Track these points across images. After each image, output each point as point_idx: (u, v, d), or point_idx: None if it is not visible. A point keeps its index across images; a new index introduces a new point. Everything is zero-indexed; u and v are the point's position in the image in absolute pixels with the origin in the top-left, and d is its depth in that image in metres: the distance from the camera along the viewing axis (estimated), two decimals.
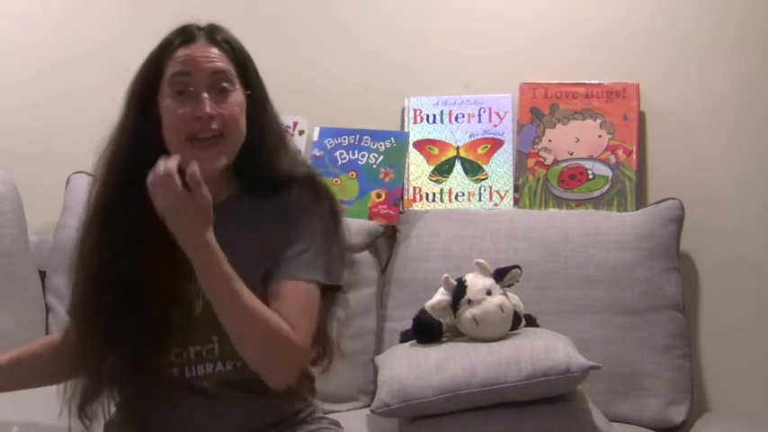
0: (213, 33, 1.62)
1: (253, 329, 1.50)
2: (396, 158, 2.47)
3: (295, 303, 1.55)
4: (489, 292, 1.93)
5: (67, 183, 2.62)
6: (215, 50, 1.59)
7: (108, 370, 1.59)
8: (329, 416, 1.82)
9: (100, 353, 1.59)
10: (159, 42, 1.62)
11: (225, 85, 1.57)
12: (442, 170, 2.49)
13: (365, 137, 2.49)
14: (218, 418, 1.61)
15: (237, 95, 1.58)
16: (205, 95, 1.55)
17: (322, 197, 1.63)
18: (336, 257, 1.62)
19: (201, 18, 1.67)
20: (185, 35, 1.61)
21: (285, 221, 1.59)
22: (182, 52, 1.58)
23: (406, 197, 2.49)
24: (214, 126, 1.55)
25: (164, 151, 1.56)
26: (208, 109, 1.54)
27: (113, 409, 1.68)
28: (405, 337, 2.03)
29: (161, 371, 1.59)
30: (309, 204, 1.61)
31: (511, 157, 2.47)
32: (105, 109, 2.70)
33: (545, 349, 1.83)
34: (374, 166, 2.46)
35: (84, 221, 1.63)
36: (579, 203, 2.39)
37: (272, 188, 1.62)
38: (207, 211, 1.47)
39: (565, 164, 2.42)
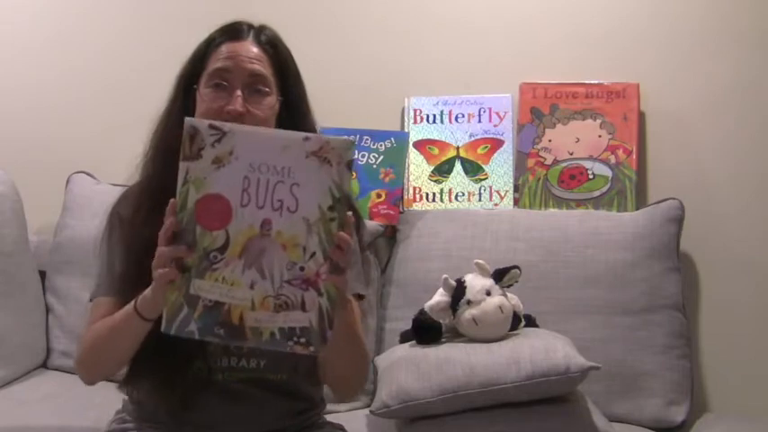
0: (260, 34, 1.66)
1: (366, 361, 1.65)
2: (396, 158, 2.47)
3: (358, 319, 1.63)
4: (489, 293, 1.93)
5: (67, 183, 2.63)
6: (258, 51, 1.63)
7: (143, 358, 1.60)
8: (330, 416, 1.83)
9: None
10: (208, 34, 1.67)
11: (260, 87, 1.61)
12: (442, 170, 2.50)
13: (365, 137, 2.49)
14: (229, 414, 1.63)
15: (271, 99, 1.62)
16: (239, 93, 1.59)
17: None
18: (359, 266, 1.68)
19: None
20: (233, 32, 1.65)
21: None
22: (226, 48, 1.63)
23: (406, 197, 2.49)
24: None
25: None
26: (239, 106, 1.58)
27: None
28: (404, 338, 2.03)
29: (190, 360, 1.61)
30: None
31: (511, 157, 2.47)
32: (106, 110, 2.74)
33: (544, 350, 1.82)
34: (374, 166, 2.46)
35: (135, 193, 1.68)
36: (579, 203, 2.39)
37: None
38: None
39: (565, 164, 2.42)
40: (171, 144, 1.62)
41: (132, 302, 1.49)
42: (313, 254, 1.33)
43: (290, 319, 1.35)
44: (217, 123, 1.35)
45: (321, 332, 1.35)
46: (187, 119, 1.37)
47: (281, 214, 1.33)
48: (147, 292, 1.45)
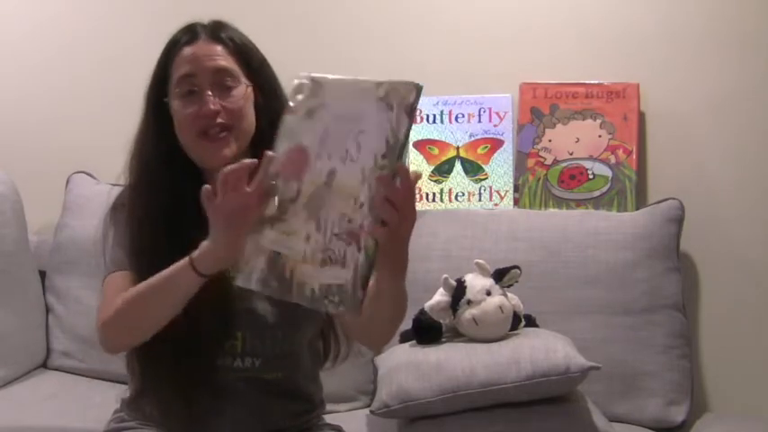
0: (216, 31, 1.65)
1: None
2: None
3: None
4: (489, 293, 1.93)
5: (67, 183, 2.63)
6: (218, 48, 1.63)
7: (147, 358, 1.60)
8: (328, 416, 1.83)
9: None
10: (166, 43, 1.66)
11: (228, 80, 1.61)
12: (442, 170, 2.49)
13: None
14: (226, 414, 1.63)
15: (242, 89, 1.62)
16: (209, 93, 1.59)
17: None
18: None
19: (204, 17, 1.68)
20: (189, 34, 1.65)
21: None
22: (186, 52, 1.62)
23: None
24: (220, 120, 1.59)
25: (181, 148, 1.62)
26: (211, 106, 1.58)
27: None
28: (405, 338, 2.03)
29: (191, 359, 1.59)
30: None
31: (511, 157, 2.47)
32: (105, 110, 2.74)
33: (545, 350, 1.83)
34: None
35: (126, 217, 1.65)
36: (579, 203, 2.39)
37: None
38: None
39: (565, 164, 2.42)
40: (153, 164, 1.63)
41: (186, 259, 1.43)
42: (361, 205, 1.26)
43: (330, 275, 1.27)
44: (316, 76, 1.30)
45: (353, 292, 1.26)
46: (301, 74, 1.31)
47: (345, 163, 1.26)
48: (209, 246, 1.40)
